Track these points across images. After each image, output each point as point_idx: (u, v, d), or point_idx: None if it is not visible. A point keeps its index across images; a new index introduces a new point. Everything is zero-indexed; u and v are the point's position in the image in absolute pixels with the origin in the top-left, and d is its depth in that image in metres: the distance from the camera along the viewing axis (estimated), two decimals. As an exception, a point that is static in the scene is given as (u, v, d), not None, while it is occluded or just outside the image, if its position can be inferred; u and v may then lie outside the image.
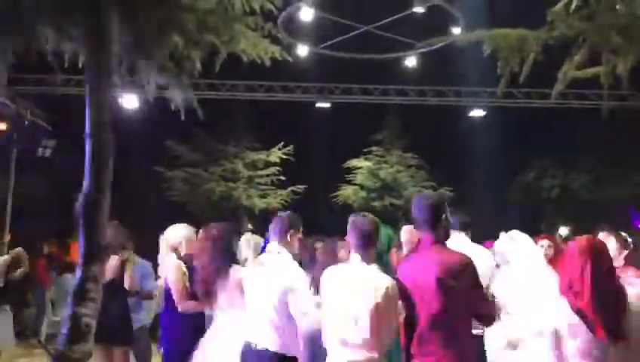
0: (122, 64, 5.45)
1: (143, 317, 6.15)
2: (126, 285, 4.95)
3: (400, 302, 3.33)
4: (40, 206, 17.69)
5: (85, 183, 4.00)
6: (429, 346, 3.12)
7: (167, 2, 4.25)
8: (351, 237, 3.46)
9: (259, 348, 3.70)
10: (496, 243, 4.52)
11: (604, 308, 2.78)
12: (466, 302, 3.12)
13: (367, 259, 3.39)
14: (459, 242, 4.35)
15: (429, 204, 3.33)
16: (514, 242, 4.42)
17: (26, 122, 13.49)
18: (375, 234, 3.48)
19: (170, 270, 4.74)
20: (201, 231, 4.83)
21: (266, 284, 3.80)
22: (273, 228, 3.96)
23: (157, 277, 5.33)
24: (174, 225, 5.04)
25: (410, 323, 3.26)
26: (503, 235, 4.53)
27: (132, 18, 4.38)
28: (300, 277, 3.81)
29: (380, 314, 3.23)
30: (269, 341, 3.70)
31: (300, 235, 4.00)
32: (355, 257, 3.42)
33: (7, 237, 13.23)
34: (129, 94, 13.27)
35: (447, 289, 3.07)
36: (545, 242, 5.87)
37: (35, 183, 17.21)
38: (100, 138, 4.15)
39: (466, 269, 3.14)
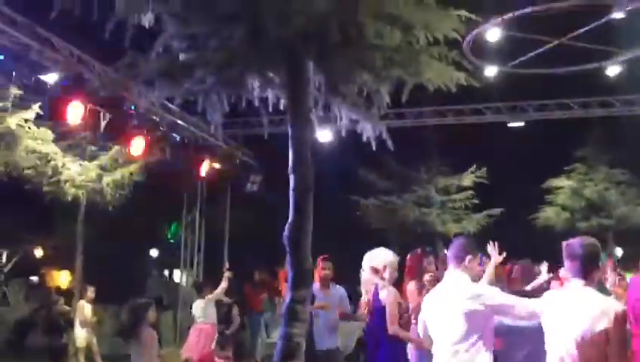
0: (318, 103, 5.91)
1: (333, 339, 6.55)
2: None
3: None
4: (250, 237, 19.44)
5: (291, 213, 4.44)
6: None
7: (355, 43, 4.58)
8: (569, 263, 3.38)
9: None
10: None
11: None
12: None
13: (589, 284, 3.30)
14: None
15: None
16: None
17: (237, 161, 15.00)
18: (597, 258, 3.39)
19: (388, 293, 4.95)
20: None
21: (448, 309, 3.79)
22: (449, 253, 3.96)
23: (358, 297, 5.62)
24: (380, 248, 5.27)
25: None
26: None
27: (324, 60, 4.79)
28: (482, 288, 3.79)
29: (609, 340, 3.11)
30: None
31: (478, 259, 3.97)
32: (577, 282, 3.33)
33: (226, 265, 14.65)
34: (324, 129, 14.15)
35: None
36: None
37: (244, 217, 18.98)
38: (301, 173, 4.58)
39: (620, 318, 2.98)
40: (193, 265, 15.88)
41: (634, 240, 17.59)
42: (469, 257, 3.90)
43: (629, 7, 9.98)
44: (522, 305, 3.61)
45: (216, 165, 14.11)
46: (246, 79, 4.87)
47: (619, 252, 17.79)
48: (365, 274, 5.24)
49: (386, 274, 5.12)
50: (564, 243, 3.42)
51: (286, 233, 4.41)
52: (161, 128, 12.05)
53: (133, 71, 5.21)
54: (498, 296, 3.72)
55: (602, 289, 4.33)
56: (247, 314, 12.35)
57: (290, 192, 4.59)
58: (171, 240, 19.45)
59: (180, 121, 12.62)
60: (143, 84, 5.54)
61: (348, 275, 6.73)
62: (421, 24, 4.77)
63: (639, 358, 5.31)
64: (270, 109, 6.31)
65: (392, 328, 4.81)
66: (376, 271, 5.13)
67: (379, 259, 5.18)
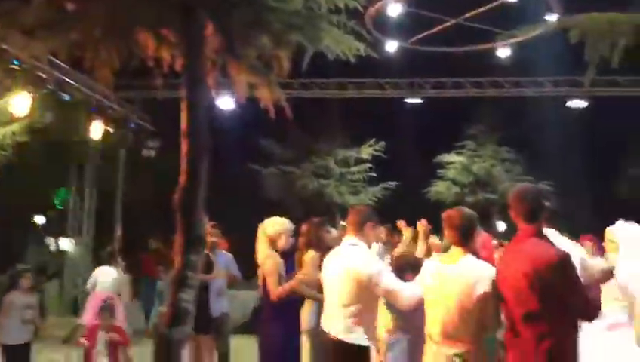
0: (215, 66, 5.74)
1: (224, 304, 6.60)
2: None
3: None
4: (146, 204, 18.82)
5: (183, 177, 4.29)
6: (523, 339, 3.09)
7: (254, 4, 4.47)
8: (449, 232, 3.54)
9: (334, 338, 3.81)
10: (608, 230, 4.39)
11: None
12: (563, 297, 3.05)
13: (467, 252, 3.47)
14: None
15: (527, 194, 3.29)
16: (627, 230, 4.28)
17: (132, 125, 14.39)
18: (474, 228, 3.55)
19: (265, 260, 4.97)
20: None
21: (340, 273, 3.89)
22: (348, 221, 4.06)
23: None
24: (274, 217, 5.26)
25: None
26: (618, 223, 4.40)
27: (221, 19, 4.63)
28: (375, 261, 3.90)
29: (482, 304, 3.30)
30: (341, 330, 3.78)
31: (375, 228, 4.08)
32: (456, 250, 3.50)
33: (117, 232, 14.16)
34: (225, 96, 13.88)
35: (544, 283, 3.01)
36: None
37: (140, 183, 18.31)
38: (195, 137, 4.44)
39: (564, 264, 3.07)
40: (82, 232, 15.17)
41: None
42: (368, 224, 4.01)
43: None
44: (408, 294, 3.73)
45: (110, 128, 13.45)
46: (137, 34, 4.61)
47: (501, 226, 18.92)
48: (260, 243, 5.22)
49: (281, 242, 5.13)
50: (443, 215, 3.60)
51: (176, 197, 4.27)
52: (49, 86, 11.26)
53: (12, 20, 4.79)
54: (390, 281, 3.81)
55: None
56: (141, 283, 12.06)
57: (183, 156, 4.43)
58: (59, 207, 18.46)
59: (69, 80, 11.86)
60: (26, 36, 5.12)
61: (246, 244, 6.70)
62: (322, -11, 4.73)
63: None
64: (165, 70, 6.08)
65: (275, 293, 4.83)
66: (271, 239, 5.12)
67: (273, 227, 5.17)
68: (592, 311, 3.10)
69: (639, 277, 3.92)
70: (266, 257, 4.96)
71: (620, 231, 4.28)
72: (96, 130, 12.81)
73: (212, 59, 5.59)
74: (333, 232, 5.44)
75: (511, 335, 3.15)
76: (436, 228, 5.06)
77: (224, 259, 6.62)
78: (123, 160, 15.52)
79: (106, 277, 8.88)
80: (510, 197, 3.35)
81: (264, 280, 4.96)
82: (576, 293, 3.07)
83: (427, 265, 3.73)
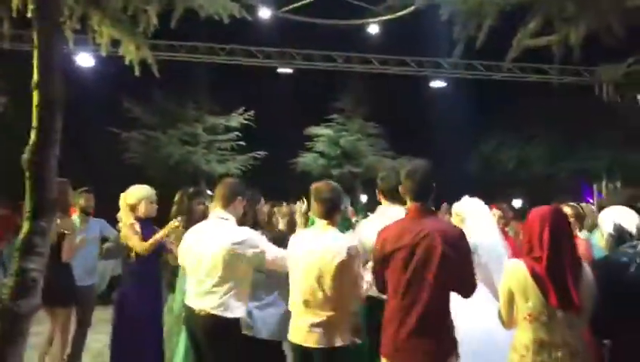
0: (73, 15, 5.26)
1: (93, 276, 6.19)
2: (63, 257, 5.05)
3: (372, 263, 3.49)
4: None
5: (33, 133, 3.87)
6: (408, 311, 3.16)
7: (120, -51, 4.10)
8: (315, 205, 3.60)
9: (202, 313, 3.73)
10: (455, 205, 4.62)
11: (558, 273, 2.82)
12: (458, 271, 3.15)
13: (331, 224, 3.56)
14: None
15: (423, 174, 3.33)
16: (471, 205, 4.52)
17: (-25, 77, 12.99)
18: (338, 201, 3.63)
19: (123, 229, 4.81)
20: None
21: (209, 247, 3.80)
22: (217, 193, 3.96)
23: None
24: (135, 185, 5.05)
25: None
26: (464, 198, 4.63)
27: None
28: (246, 232, 3.84)
29: (342, 273, 3.38)
30: (209, 304, 3.72)
31: (244, 201, 4.03)
32: (321, 223, 3.58)
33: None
34: (84, 52, 12.93)
35: (445, 258, 3.08)
36: (496, 211, 6.02)
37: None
38: (47, 89, 4.00)
39: (464, 239, 3.19)
40: None
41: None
42: (238, 198, 3.97)
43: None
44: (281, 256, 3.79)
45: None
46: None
47: (364, 198, 19.65)
48: (122, 211, 4.99)
49: (141, 209, 4.96)
50: (312, 187, 3.66)
51: (25, 155, 3.84)
52: None
53: None
54: (263, 244, 3.82)
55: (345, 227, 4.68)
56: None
57: (33, 109, 3.99)
58: None
59: None
60: None
61: (106, 211, 6.32)
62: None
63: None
64: (15, 15, 5.48)
65: (143, 246, 4.73)
66: (132, 208, 4.94)
67: (133, 195, 4.98)
68: (472, 287, 3.24)
69: (486, 248, 4.18)
70: (123, 225, 4.82)
71: (465, 205, 4.55)
72: None
73: (70, 5, 5.10)
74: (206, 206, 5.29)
75: (393, 302, 3.22)
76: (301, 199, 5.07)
77: (98, 226, 6.14)
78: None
79: None
80: (402, 175, 3.38)
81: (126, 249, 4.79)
82: (468, 268, 3.22)
83: (293, 238, 3.75)
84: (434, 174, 3.35)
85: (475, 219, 4.41)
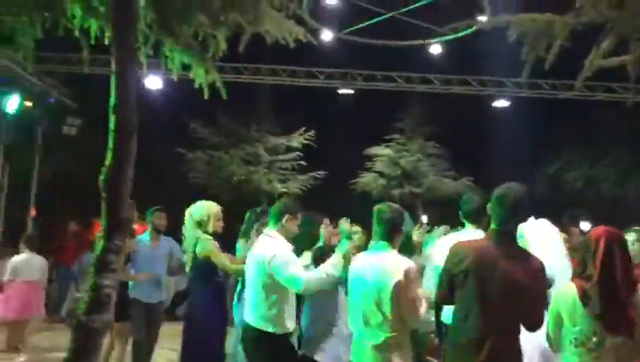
0: (148, 41, 5.48)
1: (162, 293, 6.32)
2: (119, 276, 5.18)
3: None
4: (65, 184, 17.96)
5: (108, 156, 4.06)
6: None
7: (192, -21, 4.28)
8: (376, 226, 3.60)
9: (248, 326, 3.86)
10: (520, 227, 4.49)
11: (609, 295, 2.71)
12: (530, 304, 2.99)
13: (392, 246, 3.55)
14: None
15: (514, 199, 3.13)
16: (538, 226, 4.39)
17: (52, 100, 13.65)
18: (400, 223, 3.64)
19: (204, 244, 4.81)
20: None
21: (251, 263, 3.93)
22: (270, 212, 4.04)
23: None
24: (201, 201, 5.13)
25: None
26: (529, 220, 4.50)
27: (158, -5, 4.42)
28: (283, 250, 3.87)
29: (400, 295, 3.37)
30: (252, 318, 3.85)
31: (297, 220, 4.07)
32: (382, 244, 3.57)
33: (31, 212, 13.45)
34: (153, 75, 13.42)
35: (520, 288, 2.94)
36: (562, 236, 5.80)
37: (60, 161, 17.45)
38: (124, 112, 4.21)
39: (543, 272, 3.04)
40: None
41: (438, 208, 19.31)
42: (286, 216, 4.01)
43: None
44: (311, 280, 3.80)
45: (28, 102, 12.69)
46: (64, 3, 4.31)
47: (424, 218, 19.40)
48: (188, 227, 5.08)
49: (209, 225, 5.03)
50: (375, 208, 3.65)
51: (102, 177, 4.03)
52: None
53: None
54: (292, 265, 3.83)
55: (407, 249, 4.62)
56: (57, 267, 11.50)
57: (110, 133, 4.19)
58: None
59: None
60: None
61: (170, 228, 6.48)
62: (264, -31, 4.59)
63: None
64: (93, 42, 5.76)
65: (237, 262, 4.80)
66: (199, 224, 5.01)
67: (200, 211, 5.04)
68: (539, 323, 3.06)
69: (554, 272, 4.06)
70: (199, 241, 4.82)
71: (531, 228, 4.41)
72: (12, 103, 12.05)
73: (144, 33, 5.33)
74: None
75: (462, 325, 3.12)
76: (362, 219, 5.07)
77: (169, 245, 6.27)
78: (41, 137, 14.70)
79: (28, 266, 8.09)
80: (492, 198, 3.25)
81: (196, 263, 4.83)
82: (540, 303, 3.05)
83: (355, 259, 3.77)
84: (527, 199, 3.16)
85: (542, 242, 4.28)
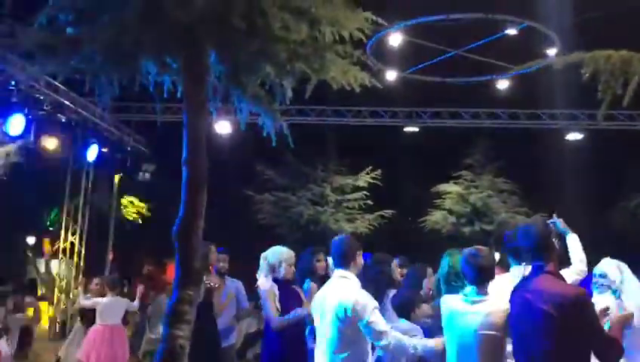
0: (217, 93, 5.64)
1: (231, 336, 6.36)
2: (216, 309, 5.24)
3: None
4: (141, 228, 18.62)
5: (181, 208, 4.17)
6: None
7: (260, 34, 4.38)
8: (467, 271, 3.54)
9: None
10: (604, 266, 4.31)
11: None
12: (581, 338, 2.93)
13: (482, 291, 3.49)
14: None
15: (535, 232, 3.19)
16: (623, 272, 4.22)
17: (128, 148, 14.28)
18: (493, 268, 3.58)
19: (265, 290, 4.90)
20: None
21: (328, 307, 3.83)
22: (336, 251, 3.99)
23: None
24: (276, 246, 5.22)
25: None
26: (608, 260, 4.33)
27: (226, 50, 4.55)
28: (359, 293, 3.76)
29: (496, 341, 3.31)
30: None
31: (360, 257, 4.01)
32: (472, 289, 3.52)
33: (110, 256, 13.98)
34: (222, 120, 13.82)
35: (560, 323, 2.91)
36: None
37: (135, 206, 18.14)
38: (195, 165, 4.32)
39: (582, 302, 2.97)
40: (73, 254, 14.92)
41: (512, 246, 18.65)
42: (356, 254, 3.98)
43: (522, 25, 10.50)
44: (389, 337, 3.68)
45: (105, 150, 13.33)
46: (139, 62, 4.52)
47: (496, 256, 18.78)
48: (261, 271, 5.15)
49: (282, 271, 5.08)
50: (465, 252, 3.61)
51: (175, 229, 4.14)
52: (46, 107, 11.16)
53: (11, 41, 4.70)
54: (370, 313, 3.71)
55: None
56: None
57: (182, 185, 4.31)
58: (50, 228, 18.23)
59: (66, 101, 11.77)
60: (24, 58, 5.01)
61: (239, 270, 6.56)
62: (328, 20, 4.66)
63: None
64: (166, 95, 5.97)
65: (274, 322, 4.82)
66: (272, 268, 5.09)
67: (274, 256, 5.12)
68: (610, 353, 2.97)
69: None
70: (263, 284, 4.93)
71: (607, 268, 4.23)
72: (92, 152, 12.69)
73: (214, 85, 5.49)
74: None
75: None
76: (431, 258, 4.98)
77: (235, 286, 6.35)
78: (118, 183, 15.37)
79: (113, 308, 8.18)
80: (518, 234, 3.28)
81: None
82: (595, 334, 2.95)
83: (442, 305, 3.71)
84: (547, 231, 3.16)
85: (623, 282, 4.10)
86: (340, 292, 3.79)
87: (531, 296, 3.04)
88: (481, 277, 3.47)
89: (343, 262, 3.94)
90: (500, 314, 3.28)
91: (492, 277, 3.54)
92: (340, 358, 3.69)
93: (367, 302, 3.69)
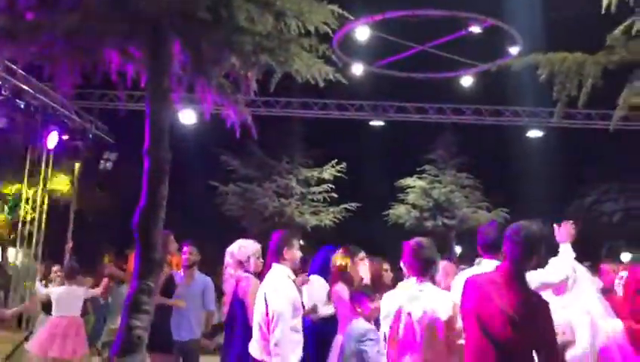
0: (181, 83, 5.61)
1: (193, 330, 6.31)
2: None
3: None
4: (101, 217, 18.33)
5: (142, 199, 4.14)
6: None
7: (225, 25, 4.37)
8: (410, 261, 3.61)
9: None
10: (559, 264, 4.39)
11: None
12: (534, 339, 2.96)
13: (426, 281, 3.55)
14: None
15: (527, 236, 3.11)
16: (576, 270, 4.29)
17: (90, 135, 14.01)
18: (436, 259, 3.65)
19: (247, 283, 4.83)
20: None
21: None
22: (270, 249, 4.07)
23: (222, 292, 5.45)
24: (241, 240, 5.15)
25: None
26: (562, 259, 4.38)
27: (191, 41, 4.53)
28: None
29: (444, 332, 3.37)
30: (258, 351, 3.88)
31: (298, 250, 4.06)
32: (413, 280, 3.58)
33: (69, 245, 13.71)
34: (187, 110, 13.67)
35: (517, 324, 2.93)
36: (624, 273, 5.56)
37: (96, 195, 17.84)
38: (157, 156, 4.29)
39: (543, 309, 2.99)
40: (31, 243, 14.58)
41: (472, 240, 19.02)
42: (285, 249, 4.10)
43: (486, 24, 10.67)
44: None
45: (66, 137, 13.05)
46: (102, 50, 4.46)
47: (457, 250, 19.14)
48: (228, 265, 5.08)
49: (251, 264, 5.04)
50: (409, 244, 3.64)
51: (135, 219, 4.11)
52: (3, 93, 10.86)
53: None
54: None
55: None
56: (91, 299, 11.62)
57: (144, 175, 4.28)
58: (9, 216, 17.80)
59: (25, 87, 11.48)
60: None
61: (203, 261, 6.50)
62: (293, 12, 4.67)
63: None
64: (129, 84, 5.91)
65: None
66: (240, 263, 5.01)
67: (241, 250, 5.05)
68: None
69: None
70: (242, 279, 4.83)
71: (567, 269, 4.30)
72: (52, 139, 12.41)
73: (178, 75, 5.46)
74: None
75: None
76: (393, 251, 5.04)
77: (202, 280, 6.28)
78: (78, 170, 15.05)
79: (70, 298, 7.82)
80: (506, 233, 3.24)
81: (236, 301, 4.82)
82: (548, 342, 2.97)
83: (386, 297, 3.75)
84: (541, 237, 3.09)
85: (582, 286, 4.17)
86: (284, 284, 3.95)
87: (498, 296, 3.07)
88: (424, 267, 3.53)
89: (275, 257, 4.08)
90: (444, 303, 3.36)
91: (434, 269, 3.61)
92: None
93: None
